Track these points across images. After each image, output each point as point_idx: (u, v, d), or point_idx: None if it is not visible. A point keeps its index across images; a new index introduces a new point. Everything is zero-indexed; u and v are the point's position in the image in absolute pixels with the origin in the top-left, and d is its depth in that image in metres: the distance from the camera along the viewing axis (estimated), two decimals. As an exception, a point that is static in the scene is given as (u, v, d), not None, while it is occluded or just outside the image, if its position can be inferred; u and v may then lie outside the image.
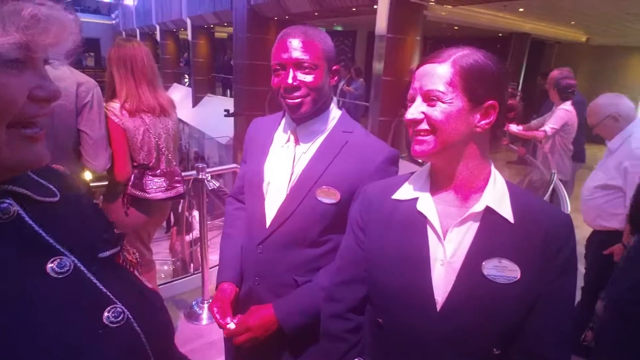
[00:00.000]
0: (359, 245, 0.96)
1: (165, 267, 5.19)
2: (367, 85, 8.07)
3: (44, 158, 0.51)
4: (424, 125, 0.81)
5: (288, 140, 1.20)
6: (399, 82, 6.84)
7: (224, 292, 1.21)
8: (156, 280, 2.51)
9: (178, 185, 2.08)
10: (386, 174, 1.12)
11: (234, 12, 10.25)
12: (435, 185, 0.90)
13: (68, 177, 0.64)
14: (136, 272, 0.66)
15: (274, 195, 1.18)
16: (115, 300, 0.54)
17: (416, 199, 0.89)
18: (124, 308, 0.54)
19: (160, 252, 5.36)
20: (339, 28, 12.89)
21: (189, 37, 14.20)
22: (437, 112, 0.79)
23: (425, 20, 7.06)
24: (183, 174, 2.23)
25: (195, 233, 4.59)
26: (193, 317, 2.66)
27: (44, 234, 0.52)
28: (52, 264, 0.51)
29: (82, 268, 0.53)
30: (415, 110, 0.81)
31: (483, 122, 0.81)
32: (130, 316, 0.55)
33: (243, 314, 1.16)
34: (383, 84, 6.77)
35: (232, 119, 10.67)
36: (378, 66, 6.80)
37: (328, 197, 1.12)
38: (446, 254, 0.83)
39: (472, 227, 0.83)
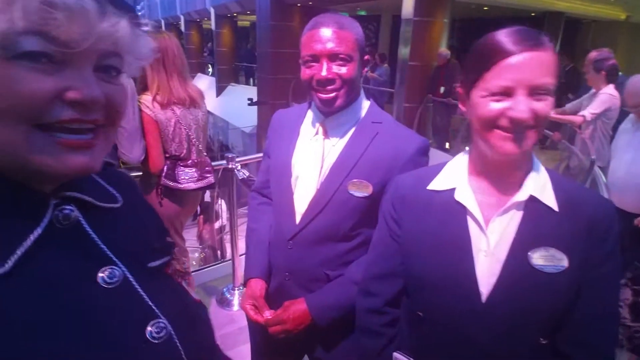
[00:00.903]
0: (393, 238, 0.95)
1: (196, 255, 5.33)
2: (392, 71, 7.92)
3: (89, 166, 0.47)
4: (530, 122, 0.73)
5: (317, 133, 1.16)
6: (426, 66, 6.67)
7: (254, 288, 1.20)
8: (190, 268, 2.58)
9: (209, 175, 2.11)
10: (418, 164, 1.09)
11: (257, 0, 10.21)
12: (474, 174, 0.86)
13: (131, 182, 0.64)
14: (183, 283, 0.65)
15: (303, 190, 1.16)
16: (160, 315, 0.53)
17: (453, 189, 0.87)
18: (167, 323, 0.53)
19: (189, 240, 5.50)
20: (363, 12, 12.65)
21: (213, 27, 14.29)
22: (547, 106, 0.73)
23: (453, 1, 6.83)
24: (213, 163, 2.26)
25: (222, 221, 4.68)
26: (224, 303, 2.73)
27: (99, 242, 0.52)
28: (103, 274, 0.50)
29: (131, 279, 0.53)
30: (526, 107, 0.71)
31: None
32: (172, 332, 0.53)
33: (275, 310, 1.16)
34: (409, 69, 6.62)
35: (255, 107, 10.73)
36: (404, 51, 6.64)
37: (360, 190, 1.09)
38: (490, 244, 0.81)
39: (515, 217, 0.81)
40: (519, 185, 0.82)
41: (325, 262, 1.15)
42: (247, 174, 2.39)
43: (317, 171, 1.14)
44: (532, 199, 0.80)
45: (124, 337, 0.49)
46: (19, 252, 0.44)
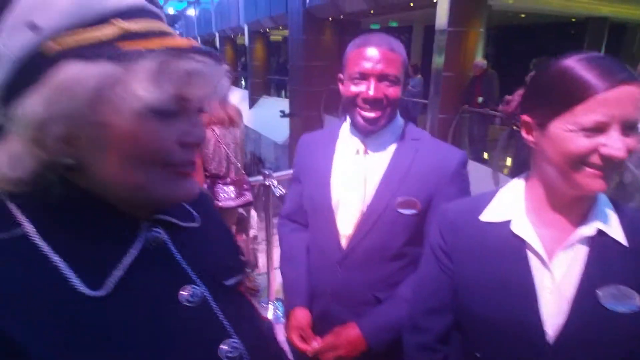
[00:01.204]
0: (444, 271, 0.89)
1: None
2: (425, 82, 7.81)
3: (194, 192, 0.53)
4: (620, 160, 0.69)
5: (357, 152, 1.15)
6: (461, 77, 6.52)
7: (300, 318, 1.17)
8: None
9: (247, 193, 2.13)
10: (462, 177, 1.11)
11: (290, 15, 10.42)
12: (533, 205, 0.81)
13: (209, 201, 0.67)
14: (253, 301, 0.69)
15: (347, 211, 1.14)
16: (233, 334, 0.55)
17: (509, 221, 0.81)
18: (240, 342, 0.55)
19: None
20: (394, 24, 12.61)
21: (246, 42, 14.69)
22: (636, 143, 0.69)
23: (490, 10, 6.67)
24: (249, 179, 2.28)
25: (253, 232, 4.73)
26: (259, 318, 2.73)
27: (182, 262, 0.54)
28: (185, 292, 0.52)
29: (209, 297, 0.55)
30: (622, 144, 0.66)
31: None
32: (245, 351, 0.55)
33: (322, 336, 1.12)
34: (444, 80, 6.49)
35: (287, 119, 10.85)
36: (438, 61, 6.53)
37: (409, 208, 1.08)
38: (555, 280, 0.75)
39: (581, 252, 0.75)
40: (582, 216, 0.77)
41: (374, 284, 1.13)
42: (283, 191, 2.39)
43: (361, 191, 1.12)
44: (600, 233, 0.74)
45: (200, 355, 0.51)
46: (117, 274, 0.47)
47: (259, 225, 3.11)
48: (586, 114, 0.67)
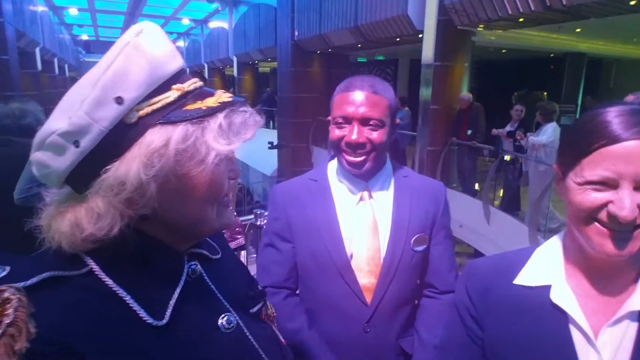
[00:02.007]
0: (473, 340, 0.79)
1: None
2: (413, 113, 7.91)
3: (232, 219, 0.61)
4: (636, 221, 0.61)
5: (361, 199, 1.10)
6: (448, 110, 6.62)
7: None
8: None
9: (239, 236, 2.01)
10: (448, 205, 1.17)
11: (278, 48, 10.59)
12: (573, 269, 0.72)
13: (222, 233, 0.72)
14: (274, 327, 0.71)
15: (363, 264, 1.06)
16: (264, 356, 0.60)
17: (548, 286, 0.72)
18: None
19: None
20: (381, 57, 12.94)
21: (235, 73, 14.84)
22: None
23: (473, 46, 6.87)
24: (241, 219, 2.16)
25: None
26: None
27: (217, 292, 0.61)
28: (223, 320, 0.58)
29: (242, 324, 0.60)
30: (631, 204, 0.60)
31: None
32: None
33: None
34: (431, 112, 6.58)
35: (275, 151, 10.81)
36: (425, 94, 6.64)
37: (421, 244, 1.10)
38: None
39: (631, 329, 0.66)
40: (630, 286, 0.67)
41: (401, 332, 1.11)
42: (275, 232, 2.27)
43: (376, 239, 1.07)
44: None
45: None
46: (171, 304, 0.52)
47: (249, 261, 2.97)
48: (591, 167, 0.62)
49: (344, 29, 8.28)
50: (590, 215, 0.63)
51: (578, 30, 7.40)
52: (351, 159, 1.04)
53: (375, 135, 1.03)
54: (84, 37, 24.13)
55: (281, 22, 10.32)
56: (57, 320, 0.44)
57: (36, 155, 0.50)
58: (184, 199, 0.53)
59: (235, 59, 14.48)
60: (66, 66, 18.58)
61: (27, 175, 1.94)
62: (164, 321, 0.51)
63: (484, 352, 0.77)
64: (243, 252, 2.70)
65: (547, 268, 0.74)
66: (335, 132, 1.05)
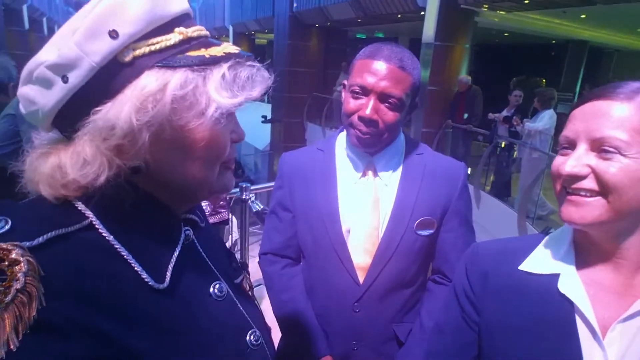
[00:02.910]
0: (469, 325, 0.76)
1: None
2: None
3: (232, 183, 0.59)
4: (589, 184, 0.60)
5: (364, 175, 1.04)
6: (446, 92, 6.52)
7: None
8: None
9: (222, 210, 1.95)
10: (467, 191, 1.08)
11: (276, 19, 10.28)
12: (584, 257, 0.67)
13: (200, 204, 0.69)
14: (255, 299, 0.70)
15: (362, 241, 1.02)
16: (253, 325, 0.60)
17: (556, 275, 0.67)
18: (260, 333, 0.60)
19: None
20: (380, 35, 12.66)
21: (230, 44, 14.47)
22: (615, 168, 0.58)
23: (475, 27, 6.71)
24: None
25: (232, 238, 4.53)
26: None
27: (207, 260, 0.59)
28: (214, 288, 0.57)
29: (231, 293, 0.60)
30: (578, 161, 0.60)
31: None
32: (263, 341, 0.60)
33: None
34: (429, 93, 6.47)
35: (268, 125, 10.66)
36: (423, 75, 6.50)
37: (427, 228, 1.02)
38: None
39: None
40: None
41: (393, 316, 1.06)
42: (261, 207, 2.20)
43: (375, 217, 1.02)
44: None
45: (234, 343, 0.56)
46: (170, 267, 0.51)
47: (233, 239, 2.91)
48: (565, 128, 0.65)
49: (344, 2, 8.03)
50: (556, 177, 0.64)
51: (583, 16, 7.26)
52: (360, 134, 0.97)
53: (390, 115, 0.94)
54: (75, -3, 23.20)
55: (280, -8, 9.99)
56: (65, 285, 0.42)
57: (23, 90, 0.47)
58: (181, 154, 0.49)
59: (231, 29, 14.07)
60: (56, 27, 17.86)
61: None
62: (165, 284, 0.49)
63: (479, 338, 0.73)
64: (227, 230, 2.64)
65: (557, 256, 0.69)
66: (349, 104, 0.97)
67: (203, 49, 0.49)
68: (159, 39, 0.46)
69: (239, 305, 0.60)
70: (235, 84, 0.49)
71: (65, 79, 0.44)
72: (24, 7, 10.52)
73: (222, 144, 0.52)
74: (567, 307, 0.64)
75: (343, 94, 1.03)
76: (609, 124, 0.58)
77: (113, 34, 0.43)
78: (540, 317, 0.66)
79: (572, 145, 0.62)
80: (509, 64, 10.71)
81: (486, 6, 6.19)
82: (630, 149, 0.57)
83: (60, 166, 0.45)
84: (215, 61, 0.48)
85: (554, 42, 10.17)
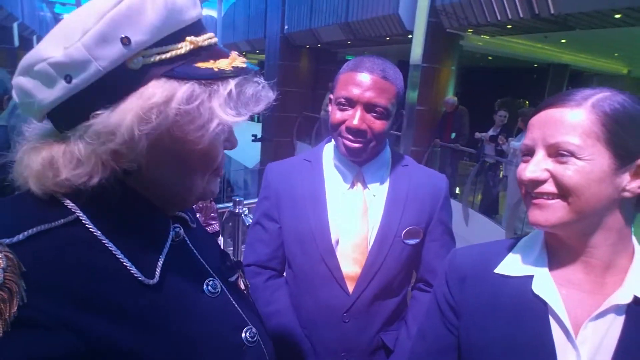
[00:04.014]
0: (449, 329, 0.77)
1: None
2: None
3: (218, 188, 0.59)
4: (549, 187, 0.64)
5: (352, 185, 1.05)
6: (434, 111, 6.67)
7: None
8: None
9: (214, 222, 1.94)
10: (449, 201, 1.11)
11: (267, 41, 10.46)
12: (556, 259, 0.70)
13: (192, 208, 0.69)
14: (250, 298, 0.69)
15: (349, 250, 1.02)
16: (249, 322, 0.59)
17: (530, 277, 0.69)
18: (256, 330, 0.59)
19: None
20: (369, 57, 12.92)
21: (221, 64, 14.63)
22: (571, 171, 0.62)
23: (461, 50, 6.93)
24: (218, 206, 2.09)
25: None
26: None
27: (199, 257, 0.59)
28: (207, 285, 0.56)
29: (225, 290, 0.59)
30: (537, 167, 0.64)
31: (634, 184, 0.62)
32: (259, 338, 0.59)
33: None
34: (417, 113, 6.61)
35: (258, 144, 10.69)
36: (412, 95, 6.66)
37: (413, 237, 1.04)
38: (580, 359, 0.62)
39: (616, 323, 0.63)
40: (618, 278, 0.65)
41: (382, 325, 1.06)
42: (253, 221, 2.20)
43: (365, 227, 1.02)
44: (636, 301, 0.62)
45: (229, 340, 0.56)
46: (159, 264, 0.50)
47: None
48: (524, 139, 0.69)
49: (334, 25, 8.24)
50: (521, 187, 0.68)
51: (563, 40, 7.56)
52: (349, 144, 0.98)
53: (377, 124, 0.97)
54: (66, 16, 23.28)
55: (271, 14, 10.20)
56: (48, 281, 0.40)
57: (20, 81, 0.45)
58: (175, 163, 0.49)
59: (222, 49, 14.27)
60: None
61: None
62: (155, 280, 0.48)
63: (459, 341, 0.75)
64: (219, 241, 2.62)
65: (530, 258, 0.72)
66: (336, 115, 0.99)
67: (212, 61, 0.48)
68: (169, 47, 0.45)
69: (233, 302, 0.59)
70: (240, 101, 0.49)
71: (68, 79, 0.42)
72: (15, 25, 10.53)
73: (217, 154, 0.52)
74: (541, 308, 0.66)
75: (330, 108, 1.05)
76: (562, 129, 0.62)
77: (125, 41, 0.42)
78: (515, 320, 0.68)
79: (531, 152, 0.66)
80: (493, 86, 11.01)
81: (471, 30, 6.42)
82: (583, 152, 0.60)
83: (52, 163, 0.44)
84: (223, 76, 0.48)
85: (536, 65, 10.52)
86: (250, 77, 0.51)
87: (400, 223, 1.02)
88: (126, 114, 0.42)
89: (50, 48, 0.42)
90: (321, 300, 1.02)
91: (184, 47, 0.46)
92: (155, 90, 0.44)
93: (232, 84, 0.48)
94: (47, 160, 0.44)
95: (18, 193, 0.46)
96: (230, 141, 0.55)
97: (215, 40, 0.51)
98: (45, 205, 0.45)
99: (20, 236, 0.41)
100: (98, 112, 0.42)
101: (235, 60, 0.50)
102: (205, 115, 0.46)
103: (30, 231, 0.41)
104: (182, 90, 0.45)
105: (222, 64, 0.48)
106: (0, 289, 0.37)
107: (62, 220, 0.44)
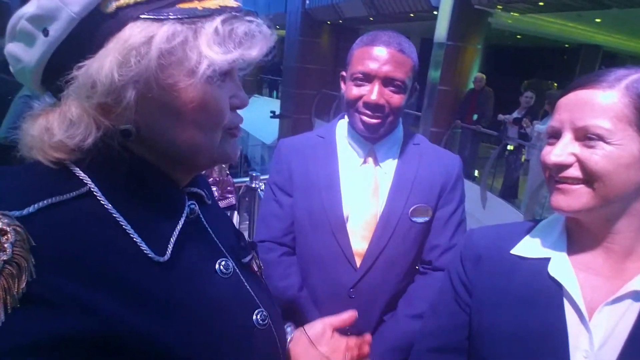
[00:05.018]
0: (461, 307, 0.78)
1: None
2: (419, 94, 7.77)
3: (237, 152, 0.55)
4: (575, 172, 0.62)
5: (365, 161, 1.05)
6: (456, 92, 6.50)
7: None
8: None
9: (230, 195, 1.97)
10: (462, 182, 1.09)
11: (288, 15, 10.28)
12: (575, 243, 0.69)
13: (208, 183, 0.67)
14: (263, 279, 0.67)
15: (359, 227, 1.02)
16: (260, 305, 0.58)
17: (547, 259, 0.69)
18: (267, 312, 0.58)
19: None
20: (392, 34, 12.61)
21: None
22: (598, 156, 0.60)
23: (488, 28, 6.67)
24: (235, 180, 2.12)
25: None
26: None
27: (214, 235, 0.57)
28: (220, 265, 0.55)
29: (238, 271, 0.57)
30: (563, 150, 0.62)
31: None
32: (271, 322, 0.58)
33: None
34: (438, 93, 6.43)
35: (276, 120, 10.69)
36: (434, 74, 6.46)
37: (422, 215, 1.03)
38: (593, 344, 0.62)
39: (632, 309, 0.62)
40: (637, 264, 0.63)
41: (387, 306, 1.05)
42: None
43: (375, 204, 1.02)
44: None
45: (239, 321, 0.54)
46: (172, 240, 0.48)
47: (241, 228, 2.94)
48: (551, 121, 0.67)
49: (356, 0, 8.02)
50: (545, 170, 0.66)
51: (598, 20, 7.19)
52: (367, 120, 0.98)
53: (396, 98, 0.97)
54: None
55: (293, -12, 9.99)
56: (58, 256, 0.39)
57: (9, 47, 0.45)
58: (170, 116, 0.46)
59: (242, 23, 14.11)
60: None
61: (13, 112, 1.88)
62: (166, 257, 0.46)
63: (471, 320, 0.75)
64: (235, 216, 2.67)
65: (548, 241, 0.71)
66: (352, 91, 0.98)
67: (196, 1, 0.45)
68: None
69: (245, 283, 0.57)
70: (231, 40, 0.45)
71: (45, 32, 0.41)
72: None
73: (218, 107, 0.48)
74: (556, 290, 0.66)
75: (343, 86, 1.05)
76: (592, 112, 0.60)
77: None
78: (529, 299, 0.68)
79: (558, 135, 0.64)
80: (520, 67, 10.63)
81: (500, 7, 6.15)
82: (613, 137, 0.58)
83: (47, 127, 0.43)
84: (207, 14, 0.44)
85: (567, 45, 10.08)
86: (242, 15, 0.47)
87: (408, 201, 1.02)
88: (104, 60, 0.41)
89: (28, 6, 0.42)
90: (329, 275, 1.04)
91: None
92: (133, 32, 0.41)
93: (218, 20, 0.44)
94: (43, 126, 0.43)
95: (29, 162, 0.45)
96: (239, 97, 0.51)
97: None
98: (56, 175, 0.44)
99: (31, 209, 0.39)
100: (79, 64, 0.41)
101: (225, 0, 0.47)
102: (193, 57, 0.43)
103: (40, 203, 0.40)
104: (162, 29, 0.42)
105: (208, 3, 0.45)
106: (8, 264, 0.35)
107: (74, 192, 0.43)
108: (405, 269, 1.05)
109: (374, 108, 0.96)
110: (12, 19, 0.44)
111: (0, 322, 0.34)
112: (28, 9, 0.42)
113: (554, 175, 0.64)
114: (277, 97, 11.43)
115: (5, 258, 0.35)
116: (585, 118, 0.60)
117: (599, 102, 0.59)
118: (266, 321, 0.57)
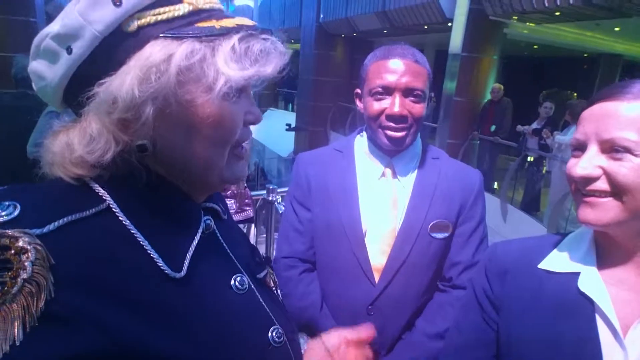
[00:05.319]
0: (488, 323, 0.76)
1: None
2: (435, 106, 7.73)
3: (245, 173, 0.56)
4: (602, 185, 0.61)
5: (383, 175, 1.04)
6: (472, 103, 6.44)
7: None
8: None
9: (248, 208, 1.97)
10: (483, 197, 1.07)
11: (302, 29, 10.45)
12: (605, 257, 0.66)
13: (223, 199, 0.67)
14: (278, 295, 0.67)
15: (377, 242, 1.01)
16: (275, 322, 0.57)
17: (577, 273, 0.67)
18: (282, 330, 0.57)
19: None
20: (406, 46, 12.65)
21: (257, 53, 14.77)
22: (626, 169, 0.59)
23: (504, 38, 6.63)
24: (252, 193, 2.12)
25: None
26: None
27: (229, 251, 0.57)
28: (235, 281, 0.54)
29: (253, 287, 0.57)
30: (589, 163, 0.61)
31: None
32: (286, 339, 0.57)
33: None
34: (455, 105, 6.41)
35: (292, 133, 10.77)
36: (450, 86, 6.46)
37: (441, 231, 1.01)
38: None
39: None
40: None
41: (406, 323, 1.03)
42: (287, 209, 2.22)
43: (393, 218, 1.01)
44: None
45: (254, 339, 0.53)
46: (188, 256, 0.49)
47: (258, 241, 2.94)
48: (575, 133, 0.66)
49: (371, 13, 8.10)
50: (571, 183, 0.65)
51: (617, 29, 7.06)
52: (393, 134, 0.97)
53: (417, 107, 0.97)
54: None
55: (307, 2, 10.18)
56: (76, 275, 0.39)
57: (32, 65, 0.46)
58: (186, 132, 0.47)
59: (258, 39, 14.40)
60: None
61: (38, 129, 1.94)
62: (182, 273, 0.47)
63: (498, 336, 0.73)
64: (252, 229, 2.67)
65: (577, 255, 0.69)
66: (373, 106, 0.97)
67: (214, 20, 0.47)
68: (166, 8, 0.44)
69: (261, 300, 0.57)
70: (247, 57, 0.46)
71: (69, 50, 0.43)
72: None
73: (232, 123, 0.49)
74: (587, 306, 0.64)
75: (358, 103, 1.05)
76: (618, 124, 0.59)
77: (116, 2, 0.42)
78: (559, 312, 0.66)
79: (583, 147, 0.63)
80: (538, 77, 10.50)
81: (516, 17, 6.11)
82: None
83: (68, 143, 0.44)
84: (225, 32, 0.46)
85: (585, 55, 9.91)
86: (258, 33, 0.48)
87: (427, 215, 1.00)
88: (125, 77, 0.42)
89: (53, 24, 0.44)
90: (348, 291, 1.02)
91: (182, 8, 0.45)
92: (153, 50, 0.43)
93: (235, 38, 0.46)
94: (64, 142, 0.44)
95: (50, 179, 0.46)
96: (253, 113, 0.52)
97: (218, 6, 0.49)
98: (76, 191, 0.44)
99: (51, 226, 0.40)
100: (101, 81, 0.43)
101: (241, 20, 0.48)
102: (210, 74, 0.45)
103: (60, 221, 0.40)
104: (181, 48, 0.44)
105: (225, 22, 0.47)
106: (28, 283, 0.36)
107: (93, 209, 0.43)
108: (425, 285, 1.03)
109: (398, 120, 0.96)
110: (37, 38, 0.45)
111: (19, 340, 0.34)
112: (53, 28, 0.43)
113: (581, 188, 0.63)
114: (292, 110, 11.54)
115: (25, 277, 0.36)
116: (611, 130, 0.59)
117: (624, 114, 0.59)
118: (282, 338, 0.56)
